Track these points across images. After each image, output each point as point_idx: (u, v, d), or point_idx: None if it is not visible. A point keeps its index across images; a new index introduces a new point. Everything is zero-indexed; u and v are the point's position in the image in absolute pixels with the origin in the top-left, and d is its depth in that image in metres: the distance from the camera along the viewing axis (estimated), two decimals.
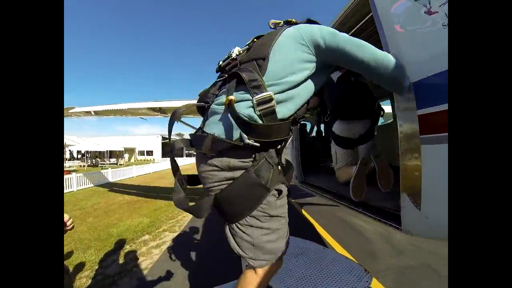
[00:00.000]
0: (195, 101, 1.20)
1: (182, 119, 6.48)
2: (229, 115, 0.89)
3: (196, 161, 1.07)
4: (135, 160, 34.21)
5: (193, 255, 3.65)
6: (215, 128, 0.94)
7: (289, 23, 1.11)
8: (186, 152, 52.66)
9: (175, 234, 4.64)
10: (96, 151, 28.84)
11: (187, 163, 29.17)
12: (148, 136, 40.74)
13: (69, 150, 26.68)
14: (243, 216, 0.94)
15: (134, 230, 4.88)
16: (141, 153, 39.42)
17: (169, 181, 13.06)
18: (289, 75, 0.94)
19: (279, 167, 1.02)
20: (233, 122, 0.88)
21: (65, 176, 9.94)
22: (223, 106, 0.93)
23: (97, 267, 3.34)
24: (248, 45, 1.13)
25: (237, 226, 0.98)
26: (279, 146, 0.97)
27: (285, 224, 1.04)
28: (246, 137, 0.86)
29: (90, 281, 2.97)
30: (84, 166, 23.74)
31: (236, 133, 0.90)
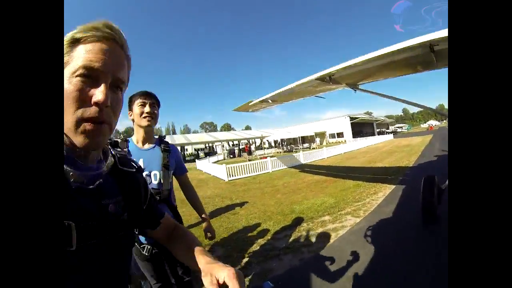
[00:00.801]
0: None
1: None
2: None
3: None
4: (326, 143, 36.86)
5: (372, 249, 3.10)
6: None
7: None
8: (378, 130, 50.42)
9: (358, 220, 4.19)
10: (289, 139, 34.15)
11: (380, 141, 27.34)
12: (337, 118, 43.08)
13: (267, 140, 34.28)
14: None
15: (316, 209, 4.99)
16: (332, 135, 42.32)
17: (359, 161, 12.90)
18: None
19: None
20: None
21: (262, 160, 12.71)
22: None
23: (269, 238, 3.67)
24: None
25: None
26: None
27: None
28: None
29: (258, 247, 3.33)
30: (280, 152, 29.10)
31: None
